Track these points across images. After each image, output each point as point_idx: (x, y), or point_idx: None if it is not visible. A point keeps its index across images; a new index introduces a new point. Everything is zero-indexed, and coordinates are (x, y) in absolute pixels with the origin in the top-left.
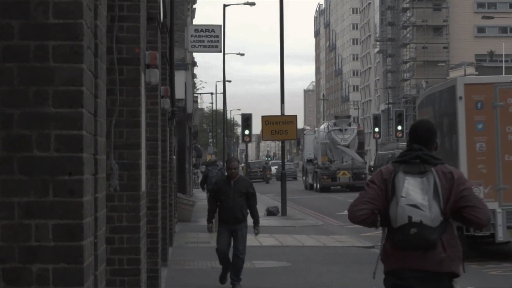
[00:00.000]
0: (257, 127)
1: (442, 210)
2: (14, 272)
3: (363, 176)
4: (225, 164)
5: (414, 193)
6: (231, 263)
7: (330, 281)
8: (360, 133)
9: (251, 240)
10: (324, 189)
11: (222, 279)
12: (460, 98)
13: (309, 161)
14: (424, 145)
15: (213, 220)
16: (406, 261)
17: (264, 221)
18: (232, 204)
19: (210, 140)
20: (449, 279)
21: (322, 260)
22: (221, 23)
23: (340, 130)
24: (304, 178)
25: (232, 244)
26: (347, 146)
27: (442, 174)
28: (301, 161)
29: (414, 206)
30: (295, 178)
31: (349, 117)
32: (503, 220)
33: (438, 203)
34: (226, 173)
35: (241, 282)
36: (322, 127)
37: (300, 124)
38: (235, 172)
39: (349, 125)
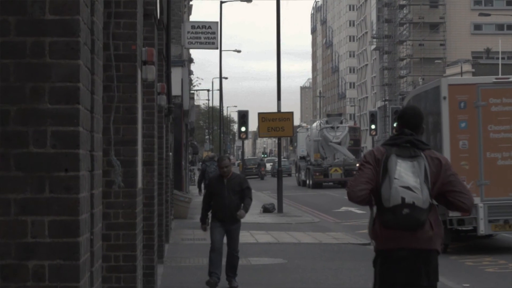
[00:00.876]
0: (253, 124)
1: (430, 193)
2: (10, 268)
3: (355, 172)
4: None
5: (407, 176)
6: (227, 261)
7: (326, 278)
8: (356, 130)
9: (247, 237)
10: (317, 185)
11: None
12: (444, 98)
13: (302, 158)
14: (413, 130)
15: (207, 220)
16: (396, 241)
17: (260, 218)
18: (228, 202)
19: (207, 137)
20: (435, 256)
21: (318, 257)
22: (217, 19)
23: (332, 127)
24: (297, 174)
25: (227, 244)
26: (339, 144)
27: (431, 159)
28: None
29: (407, 188)
30: (289, 175)
31: (340, 115)
32: (484, 214)
33: (428, 186)
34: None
35: (236, 278)
36: (314, 125)
37: (296, 121)
38: (227, 171)
39: (341, 122)
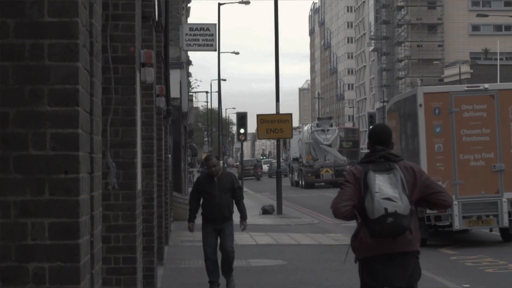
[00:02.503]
0: (252, 125)
1: (409, 200)
2: (11, 271)
3: (345, 173)
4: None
5: (386, 188)
6: (222, 261)
7: (325, 279)
8: (355, 131)
9: (246, 238)
10: (309, 186)
11: None
12: (420, 105)
13: (295, 159)
14: (383, 145)
15: (195, 220)
16: (379, 247)
17: (259, 219)
18: (218, 201)
19: (206, 139)
20: (415, 257)
21: (318, 258)
22: (216, 22)
23: (323, 130)
24: (290, 175)
25: (220, 242)
26: (329, 146)
27: (405, 169)
28: None
29: (388, 199)
30: (286, 175)
31: (330, 118)
32: (459, 211)
33: (406, 194)
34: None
35: (233, 272)
36: (305, 128)
37: (295, 123)
38: (216, 170)
39: (331, 126)
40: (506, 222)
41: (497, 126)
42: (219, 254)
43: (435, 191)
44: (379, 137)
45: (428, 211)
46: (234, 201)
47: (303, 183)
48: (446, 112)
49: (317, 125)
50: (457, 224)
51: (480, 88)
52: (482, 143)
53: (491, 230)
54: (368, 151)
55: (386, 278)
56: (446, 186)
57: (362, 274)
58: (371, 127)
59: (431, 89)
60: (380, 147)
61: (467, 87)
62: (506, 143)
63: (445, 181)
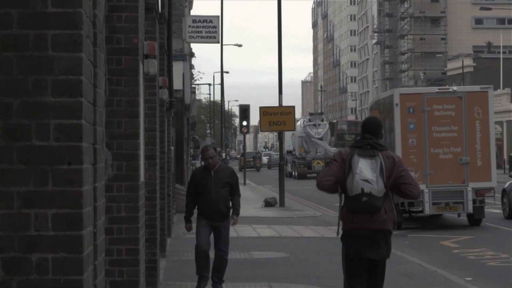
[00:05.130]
0: (255, 118)
1: (385, 184)
2: (14, 261)
3: (335, 152)
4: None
5: (366, 171)
6: (214, 264)
7: (328, 271)
8: (357, 124)
9: (249, 231)
10: (301, 176)
11: None
12: (396, 104)
13: (288, 152)
14: (373, 135)
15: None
16: (358, 222)
17: (262, 212)
18: (215, 197)
19: (208, 131)
20: (387, 235)
21: (320, 251)
22: (218, 14)
23: (314, 125)
24: (284, 167)
25: (214, 243)
26: (320, 139)
27: (386, 158)
28: None
29: (366, 180)
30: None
31: (321, 113)
32: (429, 198)
33: (383, 179)
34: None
35: (223, 284)
36: (298, 123)
37: (298, 115)
38: (213, 162)
39: (322, 120)
40: (470, 209)
41: (464, 124)
42: (212, 256)
43: (405, 182)
44: (370, 128)
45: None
46: (231, 195)
47: (296, 174)
48: (419, 111)
49: (309, 120)
50: (428, 209)
51: (450, 90)
52: (451, 138)
53: (459, 216)
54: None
55: (361, 249)
56: (418, 176)
57: (344, 244)
58: (365, 118)
59: (406, 91)
60: (369, 136)
61: (438, 89)
62: (472, 139)
63: (417, 172)
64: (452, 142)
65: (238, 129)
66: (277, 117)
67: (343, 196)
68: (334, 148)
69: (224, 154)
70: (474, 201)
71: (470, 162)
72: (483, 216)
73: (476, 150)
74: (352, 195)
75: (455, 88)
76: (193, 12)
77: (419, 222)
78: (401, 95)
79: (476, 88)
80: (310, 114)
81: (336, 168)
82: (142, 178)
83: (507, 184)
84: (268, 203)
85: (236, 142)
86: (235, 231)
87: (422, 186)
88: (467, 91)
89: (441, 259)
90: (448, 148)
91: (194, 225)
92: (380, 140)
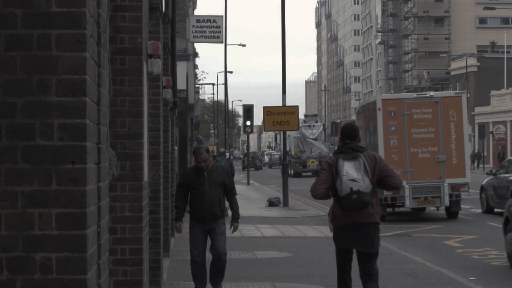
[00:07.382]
0: (258, 118)
1: (371, 181)
2: (18, 261)
3: (322, 162)
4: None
5: (351, 172)
6: (213, 265)
7: (332, 271)
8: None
9: (252, 230)
10: (297, 175)
11: None
12: (379, 109)
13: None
14: (352, 139)
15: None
16: (348, 219)
17: (265, 212)
18: (208, 199)
19: (212, 131)
20: (375, 226)
21: (324, 250)
22: (222, 14)
23: (309, 126)
24: (280, 166)
25: (211, 244)
26: (315, 139)
27: (368, 157)
28: None
29: (353, 180)
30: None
31: (316, 115)
32: (409, 193)
33: (368, 176)
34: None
35: (226, 283)
36: None
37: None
38: (206, 165)
39: (316, 121)
40: (447, 202)
41: (440, 126)
42: (208, 259)
43: (388, 175)
44: (349, 133)
45: (386, 192)
46: (225, 197)
47: (292, 172)
48: (399, 114)
49: (304, 121)
50: (408, 203)
51: (427, 95)
52: (428, 139)
53: (437, 209)
54: (340, 144)
55: (352, 242)
56: (399, 173)
57: (335, 240)
58: (342, 125)
59: (388, 96)
60: (349, 140)
61: (417, 95)
62: (448, 139)
63: (398, 169)
64: (430, 142)
65: (242, 129)
66: (280, 116)
67: (334, 199)
68: (327, 150)
69: (228, 154)
70: (450, 196)
71: (446, 160)
72: (459, 209)
73: (452, 149)
74: (343, 195)
75: (431, 93)
76: (197, 12)
77: (401, 216)
78: (383, 100)
79: (451, 93)
80: (305, 115)
81: (326, 176)
82: (146, 177)
83: (484, 181)
84: (272, 203)
85: (240, 142)
86: (239, 230)
87: (403, 183)
88: (443, 96)
89: (445, 258)
90: (426, 147)
91: (185, 227)
92: (359, 142)
